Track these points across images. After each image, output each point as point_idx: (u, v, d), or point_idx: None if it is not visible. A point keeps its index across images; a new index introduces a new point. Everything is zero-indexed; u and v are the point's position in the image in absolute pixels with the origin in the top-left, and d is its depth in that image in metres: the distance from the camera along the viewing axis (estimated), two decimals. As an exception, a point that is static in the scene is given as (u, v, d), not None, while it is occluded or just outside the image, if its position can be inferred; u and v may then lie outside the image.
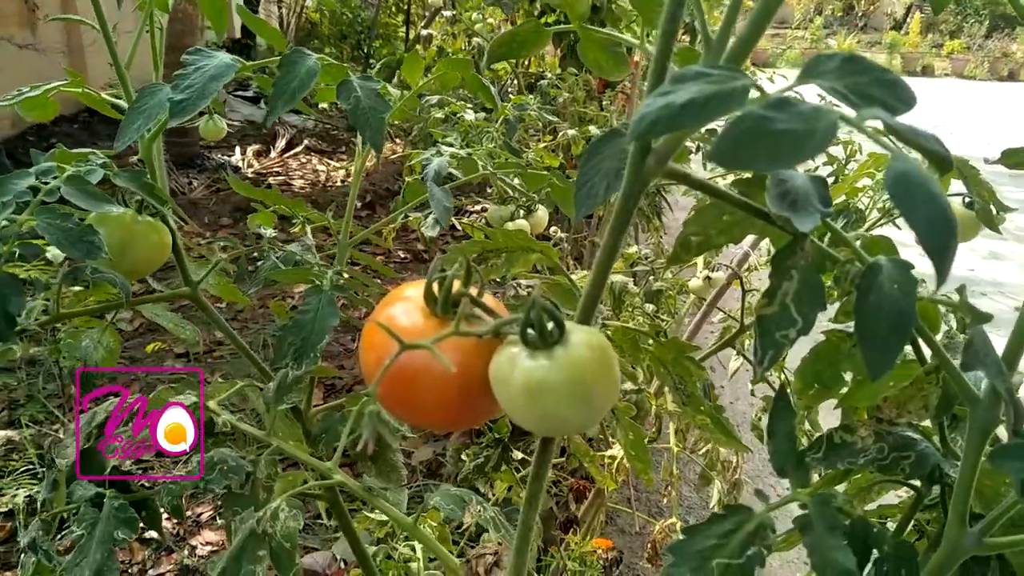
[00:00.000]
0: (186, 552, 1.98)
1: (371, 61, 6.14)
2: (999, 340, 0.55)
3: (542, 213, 1.55)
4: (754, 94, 0.34)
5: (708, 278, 1.75)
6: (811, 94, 0.40)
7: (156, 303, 0.83)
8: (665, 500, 1.75)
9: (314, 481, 0.69)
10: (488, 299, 0.47)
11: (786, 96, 0.31)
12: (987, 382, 0.46)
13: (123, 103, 0.79)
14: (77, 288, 0.81)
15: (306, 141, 5.75)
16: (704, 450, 1.70)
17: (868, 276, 0.42)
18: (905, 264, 0.43)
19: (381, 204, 4.49)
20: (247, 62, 0.67)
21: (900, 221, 1.08)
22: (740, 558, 0.41)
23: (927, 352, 0.52)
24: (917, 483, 0.56)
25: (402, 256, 4.03)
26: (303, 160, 5.57)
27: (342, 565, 1.74)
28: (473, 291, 0.46)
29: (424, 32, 4.06)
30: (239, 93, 6.40)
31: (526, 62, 3.53)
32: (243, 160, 5.27)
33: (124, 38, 0.85)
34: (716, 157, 0.30)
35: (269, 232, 0.85)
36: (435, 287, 0.46)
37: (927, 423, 0.56)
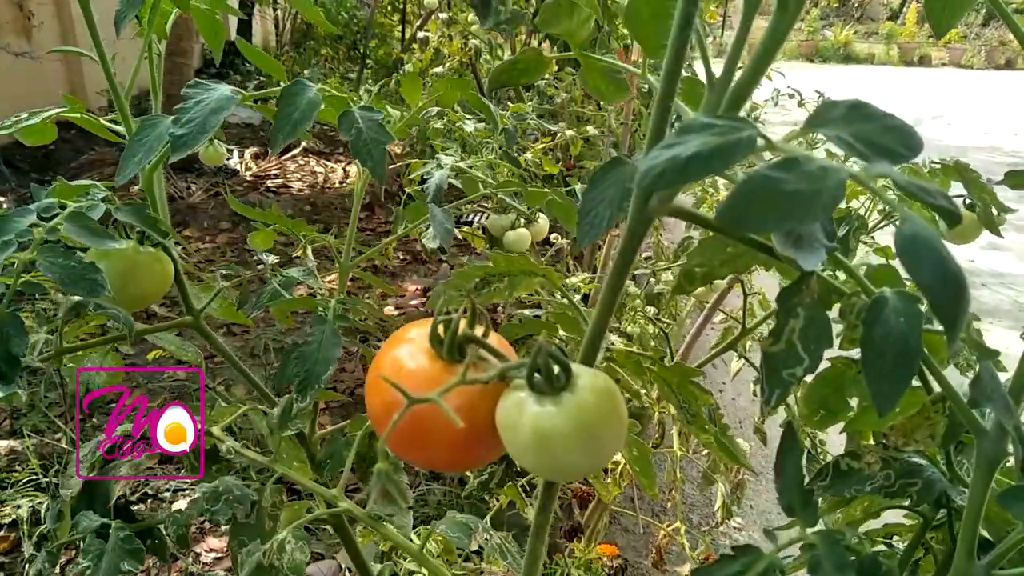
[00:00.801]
0: (191, 559, 1.99)
1: (367, 61, 6.13)
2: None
3: (543, 222, 1.54)
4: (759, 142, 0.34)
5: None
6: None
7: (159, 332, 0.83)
8: (669, 504, 1.76)
9: (319, 506, 0.69)
10: (493, 338, 0.47)
11: (794, 156, 0.31)
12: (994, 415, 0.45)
13: (122, 129, 0.79)
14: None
15: (304, 143, 5.74)
16: (707, 451, 1.70)
17: (874, 310, 0.42)
18: (911, 297, 0.43)
19: (380, 205, 4.49)
20: (246, 92, 0.67)
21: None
22: (750, 602, 0.41)
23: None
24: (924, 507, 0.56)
25: (401, 258, 4.04)
26: (301, 162, 5.57)
27: (347, 574, 1.75)
28: (479, 331, 0.46)
29: (420, 34, 4.04)
30: (236, 95, 6.38)
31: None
32: (241, 163, 5.26)
33: (121, 45, 0.83)
34: (724, 220, 0.30)
35: (271, 259, 0.85)
36: (441, 329, 0.46)
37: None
